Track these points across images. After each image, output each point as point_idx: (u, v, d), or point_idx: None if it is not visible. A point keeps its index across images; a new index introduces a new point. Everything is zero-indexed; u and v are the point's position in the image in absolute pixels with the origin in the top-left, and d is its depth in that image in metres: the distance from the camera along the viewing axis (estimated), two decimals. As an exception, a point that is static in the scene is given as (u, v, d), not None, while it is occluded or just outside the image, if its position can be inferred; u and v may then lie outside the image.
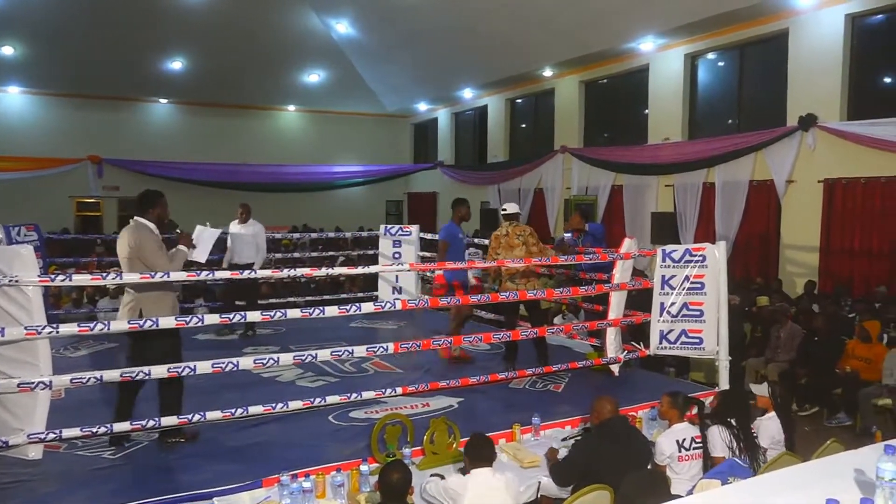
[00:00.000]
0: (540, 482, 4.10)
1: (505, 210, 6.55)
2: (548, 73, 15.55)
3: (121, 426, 4.21)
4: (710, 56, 12.54)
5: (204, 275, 4.79)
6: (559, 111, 15.99)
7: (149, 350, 4.41)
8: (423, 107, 21.51)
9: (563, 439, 4.64)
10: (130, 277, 4.27)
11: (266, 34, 17.72)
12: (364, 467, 3.91)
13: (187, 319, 4.29)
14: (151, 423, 4.21)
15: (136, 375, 4.14)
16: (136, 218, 4.56)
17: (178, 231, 4.98)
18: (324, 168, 21.52)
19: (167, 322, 4.21)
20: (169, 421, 4.31)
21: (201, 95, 19.76)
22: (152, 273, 4.26)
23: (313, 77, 20.36)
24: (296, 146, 21.70)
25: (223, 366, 4.32)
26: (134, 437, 4.52)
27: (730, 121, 12.21)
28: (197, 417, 4.31)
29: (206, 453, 4.37)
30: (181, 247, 4.75)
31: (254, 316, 4.54)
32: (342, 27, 17.85)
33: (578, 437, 4.51)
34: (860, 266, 9.68)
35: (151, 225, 4.56)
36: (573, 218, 7.76)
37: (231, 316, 4.50)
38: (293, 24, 17.95)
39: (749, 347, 8.39)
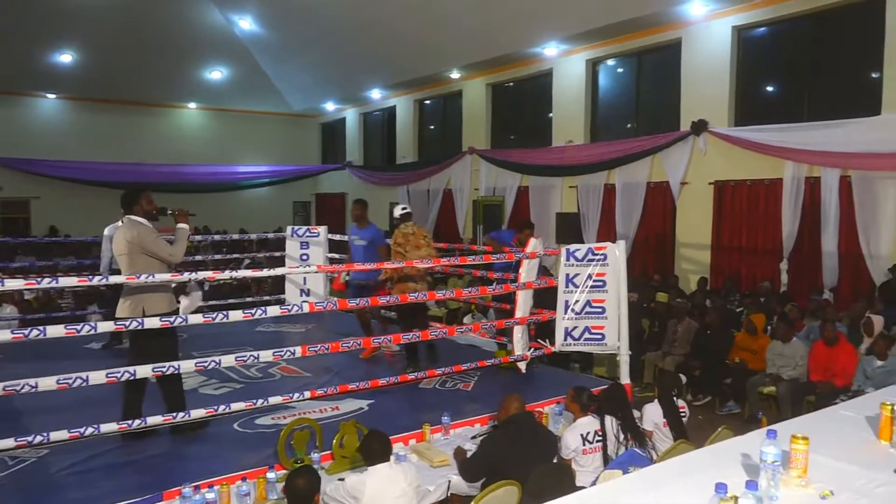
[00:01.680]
0: (450, 481, 4.14)
1: (406, 209, 6.61)
2: (455, 74, 15.70)
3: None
4: (610, 62, 13.02)
5: (97, 280, 4.54)
6: (467, 113, 16.18)
7: (149, 349, 4.49)
8: (330, 107, 21.24)
9: (473, 437, 4.70)
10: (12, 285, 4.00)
11: (164, 28, 16.96)
12: (271, 475, 3.82)
13: (78, 327, 4.05)
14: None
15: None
16: (126, 216, 4.59)
17: (170, 212, 4.92)
18: (227, 168, 20.87)
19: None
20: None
21: (94, 91, 18.68)
22: (41, 279, 4.01)
23: (215, 74, 19.69)
24: (197, 145, 20.92)
25: (118, 375, 4.11)
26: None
27: (629, 125, 12.72)
28: (90, 430, 4.08)
29: (101, 467, 4.15)
30: (181, 225, 4.79)
31: (151, 323, 4.35)
32: (245, 24, 17.36)
33: (486, 435, 4.58)
34: (747, 263, 10.32)
35: (143, 220, 4.60)
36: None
37: (127, 322, 4.29)
38: (193, 19, 17.29)
39: (647, 342, 8.77)
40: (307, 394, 4.87)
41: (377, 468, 3.56)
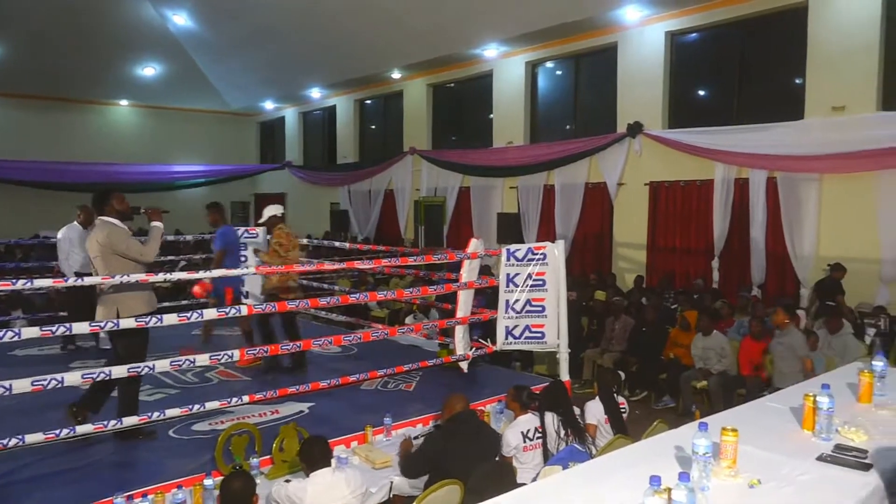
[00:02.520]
0: (392, 482, 4.13)
1: (283, 210, 6.57)
2: (396, 75, 15.67)
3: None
4: (549, 64, 13.22)
5: (20, 283, 4.34)
6: (408, 113, 16.17)
7: (121, 348, 4.49)
8: (269, 105, 20.88)
9: (416, 437, 4.69)
10: None
11: (94, 22, 16.31)
12: (208, 481, 3.73)
13: (1, 334, 3.86)
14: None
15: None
16: (99, 218, 4.52)
17: (142, 211, 4.85)
18: (162, 167, 20.23)
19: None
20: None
21: (20, 86, 17.79)
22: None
23: (148, 70, 19.07)
24: (130, 144, 20.22)
25: (45, 383, 3.94)
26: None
27: (567, 126, 12.94)
28: (14, 442, 3.89)
29: (29, 478, 3.97)
30: (154, 223, 4.72)
31: (80, 328, 4.18)
32: (180, 19, 16.89)
33: (429, 432, 4.59)
34: (681, 261, 10.65)
35: (115, 220, 4.57)
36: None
37: (54, 328, 4.11)
38: (124, 13, 16.68)
39: (586, 340, 8.93)
40: (246, 398, 4.77)
41: (319, 474, 3.51)
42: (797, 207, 9.13)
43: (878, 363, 3.46)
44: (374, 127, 18.29)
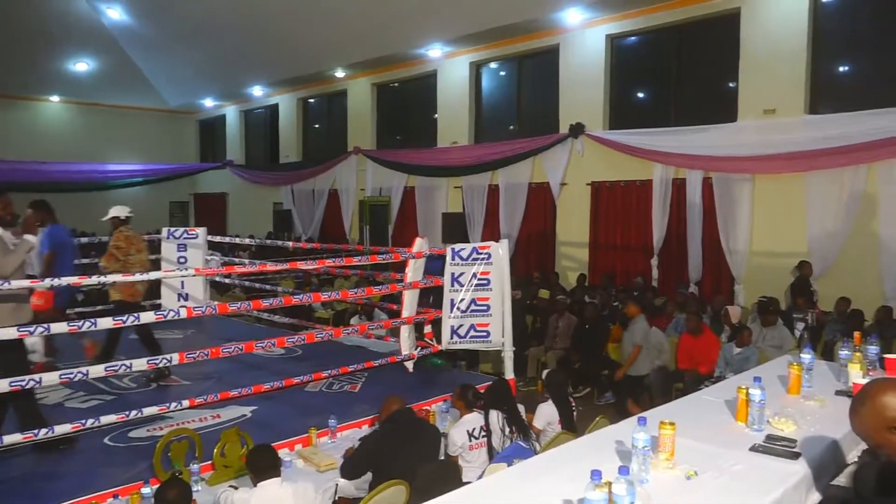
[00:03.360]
0: (337, 485, 4.09)
1: (130, 212, 6.26)
2: (340, 73, 15.54)
3: None
4: (493, 65, 13.32)
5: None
6: (352, 112, 16.05)
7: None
8: (209, 103, 20.42)
9: (360, 439, 4.66)
10: None
11: (23, 14, 15.64)
12: (146, 490, 3.62)
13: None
14: None
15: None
16: None
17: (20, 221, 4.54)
18: (96, 166, 19.51)
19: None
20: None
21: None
22: None
23: (81, 66, 18.40)
24: (62, 141, 19.47)
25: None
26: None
27: (511, 127, 13.07)
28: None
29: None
30: (26, 236, 4.41)
31: (8, 333, 4.00)
32: (114, 13, 16.35)
33: (368, 433, 4.57)
34: (622, 259, 10.89)
35: None
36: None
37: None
38: (55, 5, 16.04)
39: (530, 338, 9.04)
40: (185, 403, 4.65)
41: (266, 486, 3.40)
42: (731, 206, 9.45)
43: (806, 356, 3.61)
44: (317, 126, 18.09)
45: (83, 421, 4.24)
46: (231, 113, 20.46)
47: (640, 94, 11.50)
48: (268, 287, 9.31)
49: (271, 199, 18.38)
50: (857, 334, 3.97)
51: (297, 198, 17.40)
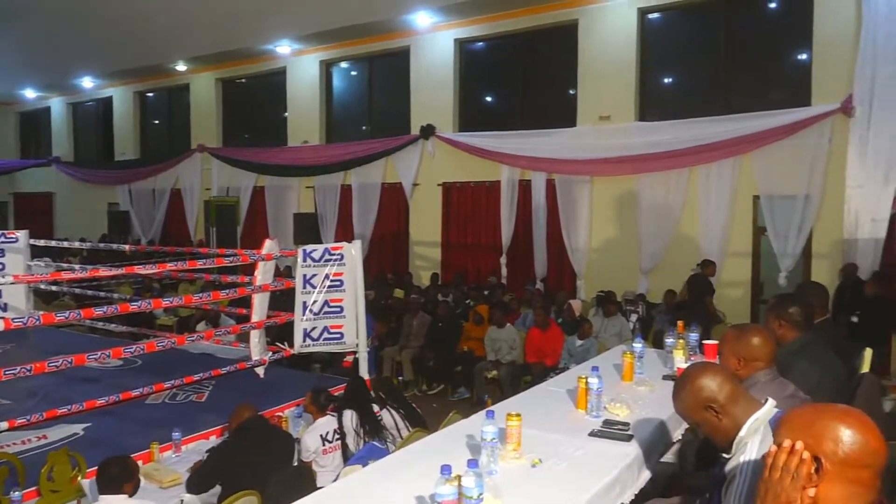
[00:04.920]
0: (182, 500, 3.88)
1: None
2: (182, 67, 14.73)
3: None
4: (344, 65, 13.22)
5: None
6: (196, 108, 15.28)
7: None
8: (31, 94, 18.58)
9: (208, 451, 4.45)
10: None
11: None
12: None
13: None
14: None
15: None
16: None
17: None
18: None
19: None
20: None
21: None
22: None
23: None
24: None
25: None
26: None
27: (363, 127, 13.03)
28: None
29: None
30: None
31: None
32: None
33: (215, 445, 4.38)
34: (473, 258, 11.20)
35: None
36: None
37: None
38: None
39: (385, 338, 9.06)
40: (4, 424, 4.20)
41: (105, 500, 3.15)
42: (572, 207, 10.02)
43: (637, 345, 3.91)
44: (157, 122, 17.04)
45: None
46: (57, 105, 18.74)
47: (489, 98, 11.90)
48: (102, 294, 8.62)
49: (106, 199, 17.09)
50: (680, 323, 4.36)
51: (136, 198, 16.29)
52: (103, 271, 5.43)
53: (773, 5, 9.17)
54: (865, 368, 3.62)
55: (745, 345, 2.64)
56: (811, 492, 1.42)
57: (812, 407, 1.63)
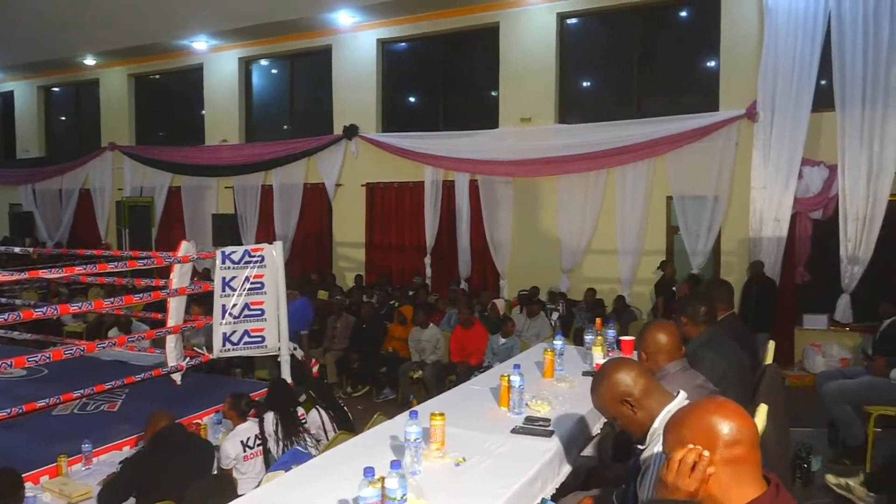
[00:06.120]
0: (93, 515, 3.71)
1: None
2: (90, 61, 14.07)
3: None
4: (264, 62, 12.94)
5: None
6: (106, 105, 14.62)
7: None
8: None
9: (121, 462, 4.27)
10: None
11: None
12: None
13: None
14: None
15: None
16: None
17: None
18: None
19: None
20: None
21: None
22: None
23: None
24: None
25: None
26: None
27: (285, 126, 12.80)
28: None
29: None
30: None
31: None
32: None
33: (129, 456, 4.21)
34: (397, 258, 11.18)
35: None
36: None
37: None
38: None
39: (309, 340, 8.92)
40: None
41: None
42: (495, 207, 10.16)
43: (558, 342, 4.01)
44: (63, 118, 16.20)
45: None
46: (-51, 99, 17.54)
47: (412, 99, 11.91)
48: (3, 301, 8.12)
49: (6, 199, 16.13)
50: (598, 320, 4.49)
51: (41, 198, 15.44)
52: (4, 276, 5.10)
53: (683, 14, 9.58)
54: (769, 360, 3.83)
55: (650, 341, 2.77)
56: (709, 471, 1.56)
57: (685, 408, 1.77)
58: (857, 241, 7.91)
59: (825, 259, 8.31)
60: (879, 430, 4.90)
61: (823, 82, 8.09)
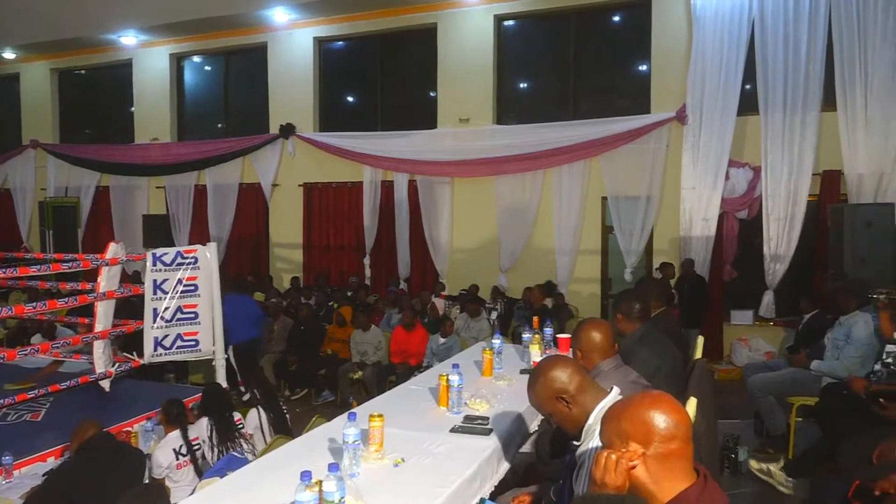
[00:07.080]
0: (15, 530, 3.54)
1: None
2: (10, 55, 13.41)
3: None
4: (197, 59, 12.61)
5: None
6: (27, 101, 13.97)
7: None
8: None
9: (45, 474, 4.09)
10: None
11: None
12: None
13: None
14: None
15: None
16: None
17: None
18: None
19: None
20: None
21: None
22: None
23: None
24: None
25: None
26: None
27: (219, 125, 12.50)
28: None
29: None
30: None
31: None
32: None
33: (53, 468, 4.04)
34: (336, 259, 11.07)
35: None
36: None
37: None
38: None
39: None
40: None
41: None
42: (434, 207, 10.18)
43: (496, 341, 4.05)
44: (-20, 115, 15.40)
45: None
46: None
47: (350, 98, 11.81)
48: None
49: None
50: (535, 318, 4.55)
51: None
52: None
53: (617, 19, 9.81)
54: (698, 355, 3.97)
55: (583, 339, 2.82)
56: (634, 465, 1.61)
57: (622, 401, 1.81)
58: (779, 240, 8.26)
59: (751, 257, 8.65)
60: (800, 419, 5.13)
61: (749, 87, 8.41)
